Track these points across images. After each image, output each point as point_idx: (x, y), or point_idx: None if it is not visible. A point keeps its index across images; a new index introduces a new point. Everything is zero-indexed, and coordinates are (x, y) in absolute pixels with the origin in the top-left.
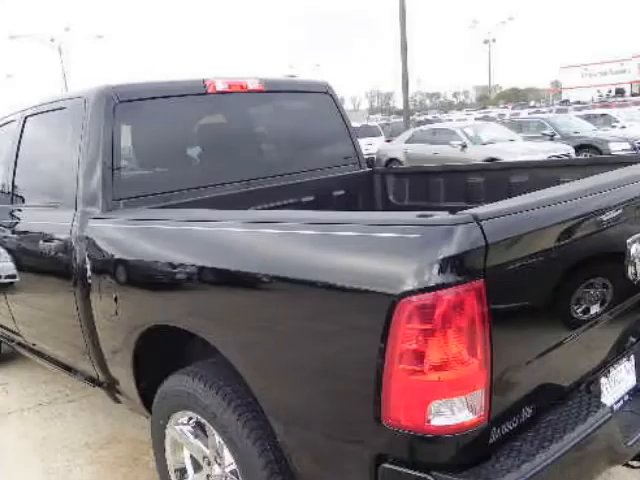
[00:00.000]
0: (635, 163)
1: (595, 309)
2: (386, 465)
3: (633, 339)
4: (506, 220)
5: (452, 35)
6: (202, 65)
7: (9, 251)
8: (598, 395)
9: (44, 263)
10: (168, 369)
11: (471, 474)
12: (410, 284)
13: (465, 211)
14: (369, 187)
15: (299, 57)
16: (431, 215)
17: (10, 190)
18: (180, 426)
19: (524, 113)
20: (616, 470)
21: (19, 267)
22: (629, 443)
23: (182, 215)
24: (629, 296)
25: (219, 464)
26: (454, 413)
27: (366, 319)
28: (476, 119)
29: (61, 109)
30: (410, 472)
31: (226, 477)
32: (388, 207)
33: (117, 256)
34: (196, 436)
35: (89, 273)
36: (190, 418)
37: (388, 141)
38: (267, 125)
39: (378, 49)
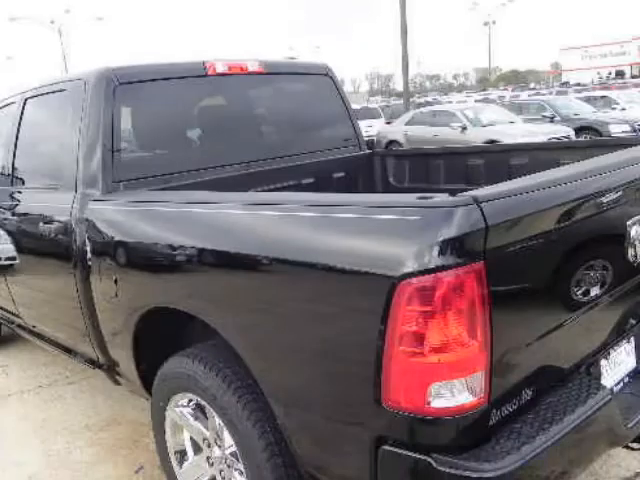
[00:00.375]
0: (635, 145)
1: (595, 291)
2: (386, 447)
3: (633, 321)
4: (506, 202)
5: (452, 17)
6: (202, 47)
7: (9, 233)
8: (598, 377)
9: (44, 245)
10: (168, 351)
11: (471, 456)
12: (410, 266)
13: (465, 193)
14: (369, 169)
15: (299, 39)
16: (431, 197)
17: (10, 172)
18: (180, 408)
19: (524, 95)
20: (616, 452)
21: (19, 249)
22: (629, 425)
23: (182, 197)
24: (629, 278)
25: (219, 446)
26: (454, 395)
27: (366, 301)
28: (476, 101)
29: (61, 91)
30: (410, 454)
31: (226, 459)
32: (388, 189)
33: (117, 238)
34: (196, 418)
35: (89, 255)
36: (190, 400)
37: (388, 123)
38: (267, 107)
39: (378, 31)
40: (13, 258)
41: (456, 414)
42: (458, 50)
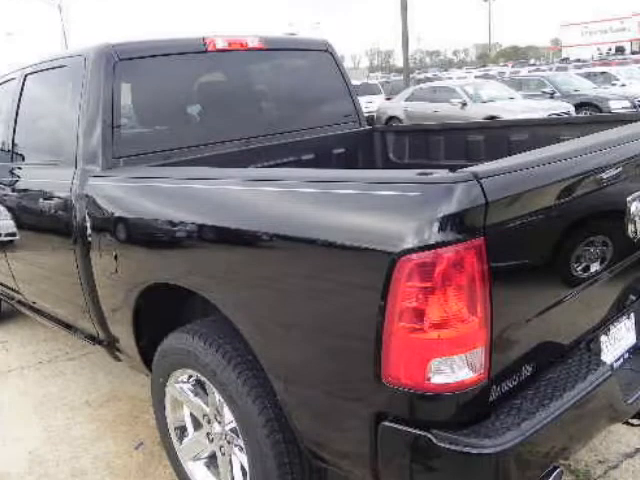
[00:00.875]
0: (635, 121)
1: (595, 267)
2: (386, 423)
3: (633, 297)
4: (506, 178)
5: None
6: (202, 22)
7: (9, 209)
8: (598, 353)
9: (44, 221)
10: (168, 327)
11: (471, 432)
12: (410, 242)
13: (465, 169)
14: (369, 145)
15: (299, 15)
16: (431, 173)
17: (10, 148)
18: (180, 384)
19: (524, 71)
20: (616, 428)
21: (19, 225)
22: (629, 401)
23: (182, 173)
24: (629, 254)
25: (219, 422)
26: (454, 371)
27: (366, 277)
28: (476, 77)
29: (61, 67)
30: (410, 430)
31: (226, 435)
32: (388, 165)
33: (117, 214)
34: (196, 394)
35: (89, 231)
36: (190, 376)
37: (388, 99)
38: (267, 83)
39: (378, 7)
40: (13, 234)
41: (456, 390)
42: (458, 26)
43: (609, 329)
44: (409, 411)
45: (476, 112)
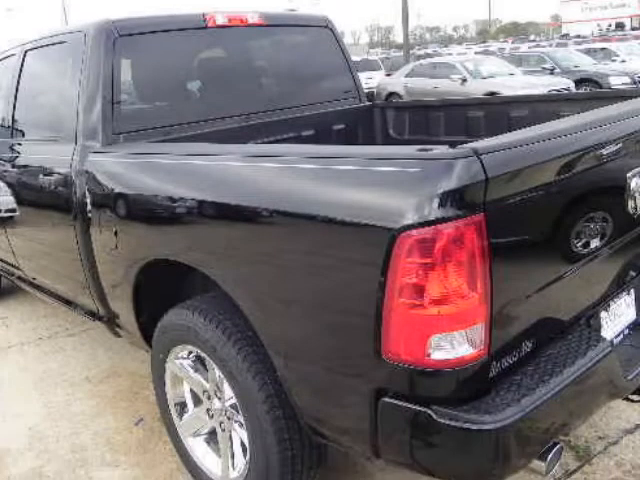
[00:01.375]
0: (635, 97)
1: (595, 243)
2: (386, 399)
3: (633, 273)
4: (506, 154)
5: None
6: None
7: (9, 185)
8: (598, 329)
9: (44, 197)
10: (168, 303)
11: (471, 408)
12: (410, 218)
13: (465, 145)
14: (369, 121)
15: None
16: (431, 149)
17: (10, 124)
18: (180, 360)
19: (524, 47)
20: (616, 404)
21: (19, 201)
22: (629, 377)
23: (182, 149)
24: (629, 230)
25: (219, 398)
26: (454, 347)
27: (366, 253)
28: (476, 53)
29: (61, 43)
30: (410, 406)
31: (226, 411)
32: (388, 141)
33: (117, 190)
34: (196, 370)
35: (89, 207)
36: (190, 352)
37: (388, 75)
38: (267, 59)
39: None
40: (13, 210)
41: (456, 366)
42: (458, 2)
43: (609, 305)
44: (409, 387)
45: (476, 88)
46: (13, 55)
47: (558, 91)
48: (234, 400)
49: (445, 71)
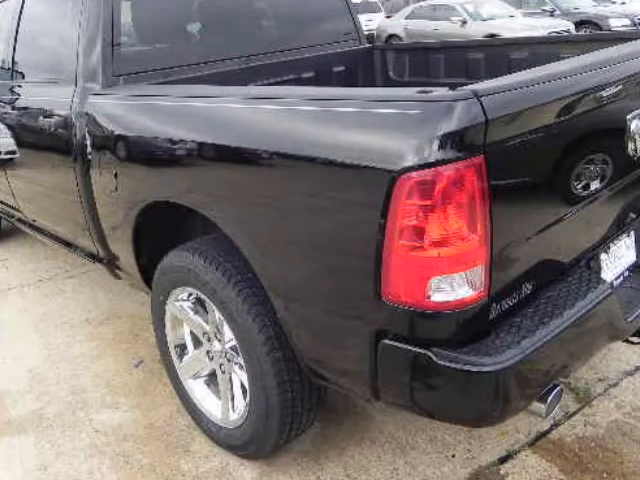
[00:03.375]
0: (635, 39)
1: (595, 185)
2: (386, 341)
3: (633, 215)
4: (506, 96)
5: None
6: None
7: (9, 127)
8: (598, 271)
9: (44, 139)
10: (168, 245)
11: (471, 350)
12: (410, 160)
13: (465, 87)
14: (369, 63)
15: None
16: (431, 91)
17: (10, 66)
18: (180, 302)
19: None
20: (616, 346)
21: (19, 143)
22: (629, 319)
23: (182, 91)
24: (629, 172)
25: (219, 340)
26: (454, 289)
27: (366, 195)
28: None
29: None
30: (410, 348)
31: (226, 353)
32: (388, 83)
33: (117, 132)
34: (196, 312)
35: (89, 149)
36: (190, 294)
37: (388, 17)
38: (267, 1)
39: None
40: (13, 152)
41: (456, 308)
42: None
43: (609, 247)
44: (409, 329)
45: (476, 30)
46: None
47: (558, 33)
48: (234, 342)
49: (445, 13)
